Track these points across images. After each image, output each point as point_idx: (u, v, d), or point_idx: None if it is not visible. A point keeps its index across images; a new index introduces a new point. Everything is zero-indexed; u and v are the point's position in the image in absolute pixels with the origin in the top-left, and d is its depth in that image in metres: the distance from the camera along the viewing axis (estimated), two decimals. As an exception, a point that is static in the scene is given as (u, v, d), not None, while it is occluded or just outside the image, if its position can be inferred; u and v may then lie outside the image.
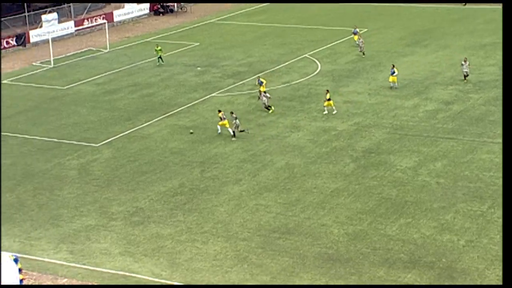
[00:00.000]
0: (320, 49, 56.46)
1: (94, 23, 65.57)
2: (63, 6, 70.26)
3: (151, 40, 62.17)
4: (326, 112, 41.05)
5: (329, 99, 41.14)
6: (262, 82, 44.24)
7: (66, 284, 24.82)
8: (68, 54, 57.46)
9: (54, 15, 63.69)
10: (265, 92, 42.86)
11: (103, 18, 65.70)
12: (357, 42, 55.29)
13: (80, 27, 64.70)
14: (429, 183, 32.04)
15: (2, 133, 39.26)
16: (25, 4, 63.39)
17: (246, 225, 28.79)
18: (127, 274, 25.36)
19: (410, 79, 47.86)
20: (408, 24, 65.24)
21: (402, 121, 40.05)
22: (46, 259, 26.38)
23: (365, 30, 63.23)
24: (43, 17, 62.69)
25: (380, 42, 58.92)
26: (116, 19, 69.09)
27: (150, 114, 42.30)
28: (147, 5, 73.56)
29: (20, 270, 23.12)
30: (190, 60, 55.12)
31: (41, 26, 62.16)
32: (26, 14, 62.75)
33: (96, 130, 39.87)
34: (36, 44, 60.82)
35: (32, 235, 28.21)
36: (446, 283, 24.30)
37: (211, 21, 70.44)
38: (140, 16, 72.22)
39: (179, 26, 68.20)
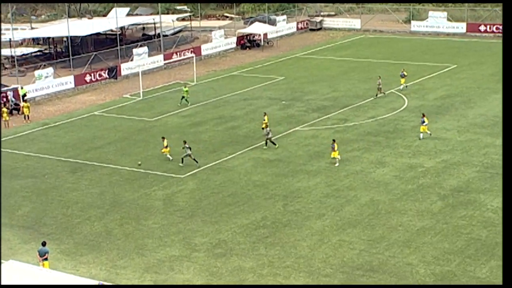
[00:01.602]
0: (408, 84, 55.62)
1: (183, 57, 67.18)
2: (153, 40, 72.47)
3: (237, 74, 63.08)
4: (337, 164, 38.69)
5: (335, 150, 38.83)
6: (264, 119, 44.47)
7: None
8: (157, 87, 58.94)
9: (145, 49, 65.69)
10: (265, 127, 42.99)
11: (191, 52, 67.24)
12: (402, 87, 53.89)
13: (169, 61, 66.41)
14: (521, 224, 30.62)
15: (93, 163, 40.48)
16: (118, 38, 65.67)
17: (329, 261, 28.32)
18: (208, 306, 25.34)
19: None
20: (500, 60, 63.44)
21: (493, 159, 38.68)
22: (130, 288, 26.72)
23: (455, 66, 62.05)
24: (134, 50, 64.75)
25: (471, 78, 57.53)
26: (203, 53, 70.61)
27: (234, 147, 42.62)
28: (234, 39, 74.87)
29: (105, 297, 23.47)
30: (275, 93, 55.45)
31: (132, 60, 64.19)
32: (119, 48, 65.01)
33: (182, 161, 40.49)
34: (126, 76, 62.80)
35: (118, 263, 28.69)
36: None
37: (297, 55, 70.83)
38: (227, 50, 73.51)
39: (265, 60, 68.92)
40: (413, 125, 45.25)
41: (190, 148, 39.34)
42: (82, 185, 37.26)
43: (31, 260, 27.48)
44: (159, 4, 74.15)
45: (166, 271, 27.93)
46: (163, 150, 40.44)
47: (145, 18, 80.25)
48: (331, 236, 30.45)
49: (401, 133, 43.84)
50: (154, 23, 77.16)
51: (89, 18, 79.97)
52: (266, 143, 41.98)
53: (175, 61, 67.04)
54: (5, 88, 52.96)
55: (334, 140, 39.19)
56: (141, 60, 64.14)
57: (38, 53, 71.13)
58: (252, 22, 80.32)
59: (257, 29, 76.18)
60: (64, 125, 48.89)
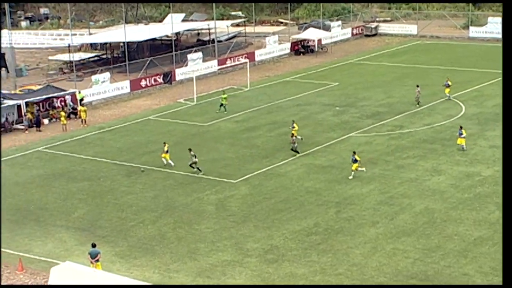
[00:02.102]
0: (465, 91, 54.53)
1: (236, 62, 67.45)
2: (207, 46, 73.01)
3: (290, 79, 62.98)
4: (351, 177, 37.37)
5: (356, 161, 37.19)
6: (294, 126, 43.83)
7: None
8: (210, 92, 59.29)
9: (199, 54, 66.19)
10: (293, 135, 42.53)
11: (245, 58, 67.43)
12: (449, 96, 52.38)
13: (223, 66, 66.76)
14: None
15: (148, 167, 40.92)
16: (173, 44, 66.40)
17: (383, 269, 27.88)
18: (260, 312, 25.25)
19: None
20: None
21: (554, 168, 37.47)
22: (182, 292, 26.84)
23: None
24: (189, 56, 65.31)
25: (530, 84, 55.98)
26: (257, 58, 70.74)
27: (287, 152, 42.46)
28: (288, 45, 74.81)
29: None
30: (328, 99, 55.10)
31: (186, 65, 64.77)
32: (173, 53, 65.72)
33: (234, 166, 40.52)
34: (181, 82, 63.39)
35: (171, 267, 28.86)
36: None
37: (351, 61, 70.31)
38: (281, 55, 73.48)
39: (319, 66, 68.62)
40: (471, 132, 44.24)
41: (195, 156, 39.30)
42: (137, 188, 37.68)
43: (87, 262, 27.90)
44: (214, 10, 74.74)
45: (218, 275, 27.95)
46: (163, 155, 40.62)
47: (200, 24, 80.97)
48: (385, 244, 29.98)
49: (458, 140, 42.92)
50: (209, 29, 77.76)
51: (145, 24, 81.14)
52: (294, 150, 41.61)
53: (229, 67, 67.34)
54: (63, 93, 54.09)
55: (354, 152, 38.04)
56: (196, 65, 64.65)
57: (96, 58, 72.52)
58: (306, 28, 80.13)
59: (312, 34, 75.94)
60: (119, 129, 49.60)
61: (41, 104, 52.62)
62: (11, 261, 29.46)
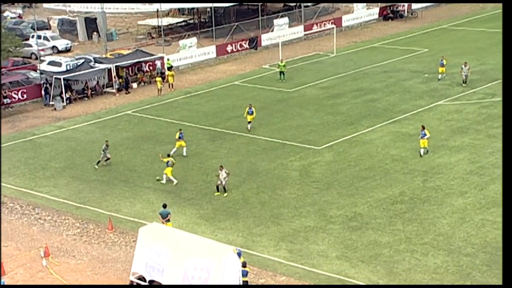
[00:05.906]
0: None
1: (323, 28, 66.59)
2: (294, 11, 72.38)
3: (378, 45, 61.69)
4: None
5: None
6: (252, 111, 40.83)
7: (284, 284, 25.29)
8: (296, 58, 58.88)
9: (285, 19, 65.72)
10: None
11: (332, 23, 66.48)
12: (441, 76, 48.89)
13: (309, 32, 66.07)
14: None
15: (231, 132, 41.22)
16: (260, 9, 66.12)
17: (470, 240, 27.17)
18: (343, 278, 25.16)
19: None
20: None
21: None
22: (266, 256, 27.01)
23: None
24: (275, 21, 64.99)
25: None
26: (344, 24, 69.62)
27: (372, 120, 41.81)
28: (376, 10, 73.20)
29: (244, 263, 23.91)
30: (417, 66, 53.70)
31: (272, 30, 64.50)
32: (260, 18, 65.50)
33: (319, 133, 40.25)
34: (266, 47, 63.22)
35: (254, 231, 29.11)
36: None
37: (443, 27, 68.10)
38: (368, 21, 72.04)
39: (408, 32, 66.87)
40: None
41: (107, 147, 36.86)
42: (221, 153, 38.06)
43: (175, 224, 28.50)
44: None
45: (301, 241, 27.99)
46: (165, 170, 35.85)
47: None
48: (473, 214, 29.18)
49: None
50: (296, -6, 76.92)
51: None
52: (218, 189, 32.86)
53: (315, 32, 66.60)
54: (152, 57, 54.98)
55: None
56: (281, 31, 64.29)
57: (183, 23, 73.24)
58: (396, -8, 78.04)
59: (401, -1, 73.99)
60: (205, 94, 50.12)
61: (130, 68, 53.80)
62: (101, 220, 30.52)
